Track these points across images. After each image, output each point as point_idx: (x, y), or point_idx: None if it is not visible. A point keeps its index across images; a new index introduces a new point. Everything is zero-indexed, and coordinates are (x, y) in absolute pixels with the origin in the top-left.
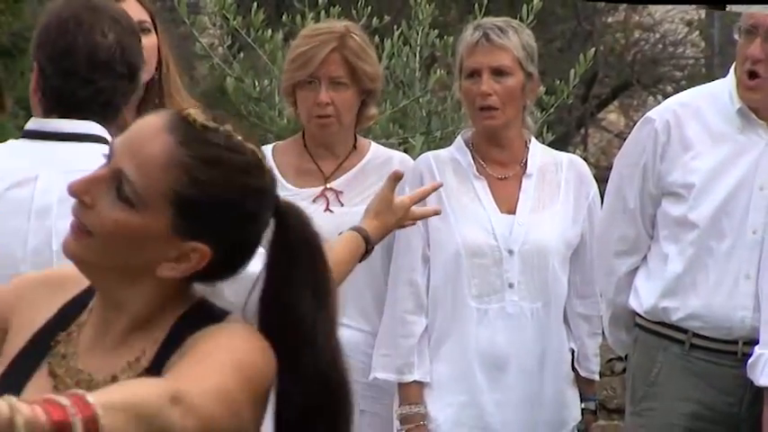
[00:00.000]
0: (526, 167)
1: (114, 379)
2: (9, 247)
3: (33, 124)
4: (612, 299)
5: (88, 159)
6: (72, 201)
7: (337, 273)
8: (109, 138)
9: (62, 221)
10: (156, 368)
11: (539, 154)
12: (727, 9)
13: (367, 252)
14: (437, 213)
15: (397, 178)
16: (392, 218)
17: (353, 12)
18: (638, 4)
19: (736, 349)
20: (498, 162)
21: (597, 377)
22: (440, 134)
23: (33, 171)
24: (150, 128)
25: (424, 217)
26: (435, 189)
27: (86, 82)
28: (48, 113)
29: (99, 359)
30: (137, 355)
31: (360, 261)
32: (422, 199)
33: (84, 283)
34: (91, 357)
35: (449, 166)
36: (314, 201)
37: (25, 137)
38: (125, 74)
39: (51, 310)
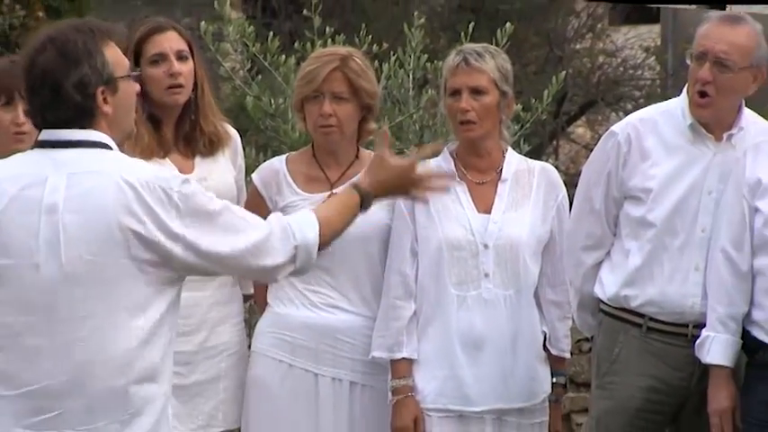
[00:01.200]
0: (502, 173)
1: None
2: (24, 239)
3: (44, 135)
4: (580, 287)
5: (89, 161)
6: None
7: (332, 228)
8: (110, 142)
9: (68, 216)
10: None
11: (514, 162)
12: (727, 9)
13: (363, 207)
14: (444, 191)
15: (386, 136)
16: (384, 174)
17: (356, 39)
18: (639, 4)
19: (686, 332)
20: (477, 168)
21: (568, 355)
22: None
23: (43, 174)
24: None
25: (439, 190)
26: (447, 177)
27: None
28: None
29: None
30: None
31: (361, 210)
32: (431, 176)
33: None
34: None
35: (434, 170)
36: (322, 203)
37: (37, 146)
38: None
39: None
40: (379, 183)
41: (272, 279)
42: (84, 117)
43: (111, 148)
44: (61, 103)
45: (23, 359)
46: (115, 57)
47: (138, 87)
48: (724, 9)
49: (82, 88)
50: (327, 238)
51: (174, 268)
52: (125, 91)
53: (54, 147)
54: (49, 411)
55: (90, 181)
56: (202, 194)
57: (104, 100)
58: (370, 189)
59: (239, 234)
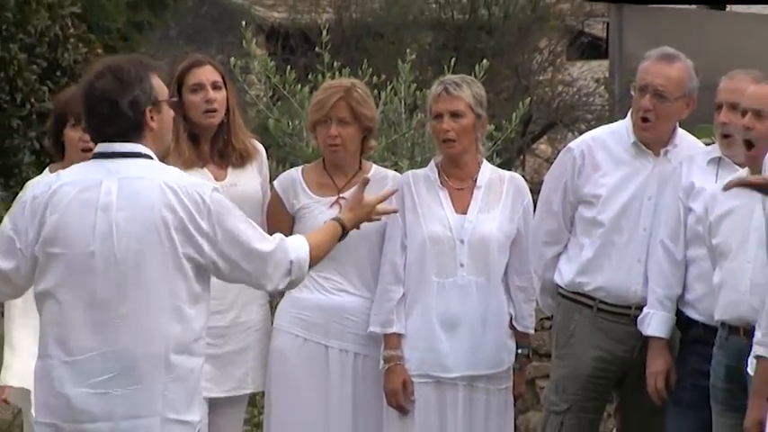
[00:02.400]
0: (477, 181)
1: None
2: (82, 232)
3: (99, 148)
4: (542, 275)
5: (137, 169)
6: (126, 200)
7: (319, 250)
8: (153, 154)
9: (119, 213)
10: None
11: (488, 172)
12: (727, 9)
13: (344, 234)
14: (395, 212)
15: (364, 183)
16: (362, 211)
17: (359, 72)
18: (638, 4)
19: (630, 312)
20: (457, 177)
21: (532, 331)
22: (420, 159)
23: (98, 179)
24: None
25: (385, 213)
26: (392, 194)
27: None
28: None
29: None
30: None
31: (338, 241)
32: (383, 200)
33: None
34: None
35: (422, 181)
36: (331, 206)
37: (94, 157)
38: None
39: None
40: (356, 217)
41: (270, 287)
42: (135, 131)
43: (153, 159)
44: (117, 119)
45: (79, 331)
46: (159, 84)
47: (172, 113)
48: (724, 9)
49: (134, 106)
50: (315, 259)
51: (205, 260)
52: (166, 112)
53: (108, 157)
54: (102, 374)
55: (137, 184)
56: (228, 203)
57: (151, 117)
58: (348, 223)
59: (252, 243)
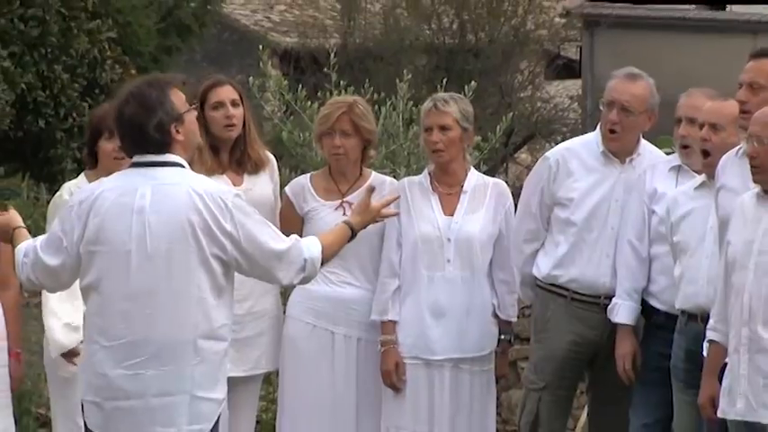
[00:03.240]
0: (464, 187)
1: None
2: (120, 232)
3: (136, 158)
4: (522, 269)
5: (168, 176)
6: (158, 203)
7: (330, 250)
8: (184, 162)
9: (152, 216)
10: None
11: (474, 178)
12: (726, 9)
13: (352, 236)
14: (395, 215)
15: (370, 191)
16: (368, 216)
17: (362, 90)
18: (638, 4)
19: (599, 302)
20: (446, 183)
21: (514, 319)
22: (416, 167)
23: (134, 186)
24: None
25: (388, 216)
26: (395, 200)
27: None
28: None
29: None
30: None
31: (348, 242)
32: (387, 205)
33: None
34: None
35: (416, 186)
36: (335, 209)
37: (131, 166)
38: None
39: None
40: (363, 221)
41: (285, 281)
42: (164, 146)
43: (184, 167)
44: (146, 140)
45: (116, 319)
46: (178, 98)
47: (194, 115)
48: (724, 9)
49: (160, 128)
50: (327, 258)
51: (228, 258)
52: (189, 120)
53: (143, 166)
54: (137, 357)
55: (168, 190)
56: (249, 207)
57: (177, 131)
58: (357, 226)
59: (270, 243)
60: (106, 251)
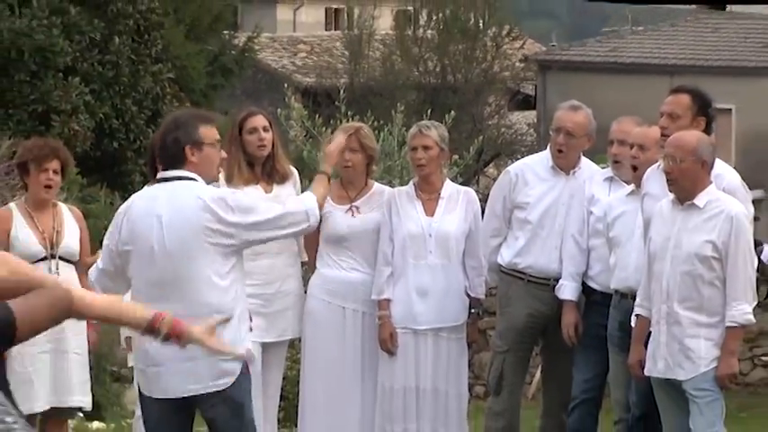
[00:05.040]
0: (441, 194)
1: None
2: (146, 232)
3: (159, 174)
4: (488, 258)
5: (182, 187)
6: (172, 209)
7: (322, 198)
8: (196, 177)
9: (169, 218)
10: None
11: (449, 188)
12: (726, 9)
13: (329, 179)
14: (342, 144)
15: (330, 147)
16: (329, 159)
17: (365, 119)
18: (638, 4)
19: (549, 283)
20: (427, 191)
21: (483, 297)
22: (407, 179)
23: (155, 196)
24: None
25: (338, 150)
26: (343, 145)
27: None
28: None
29: None
30: None
31: (329, 183)
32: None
33: None
34: None
35: (404, 194)
36: (345, 212)
37: (156, 181)
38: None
39: None
40: (328, 164)
41: (298, 230)
42: (177, 161)
43: (197, 180)
44: (163, 151)
45: (146, 301)
46: (206, 132)
47: (223, 155)
48: (724, 9)
49: (175, 143)
50: (321, 203)
51: (236, 243)
52: (209, 152)
53: (164, 180)
54: None
55: (181, 197)
56: (245, 199)
57: (192, 153)
58: (328, 170)
59: (267, 211)
60: (135, 249)
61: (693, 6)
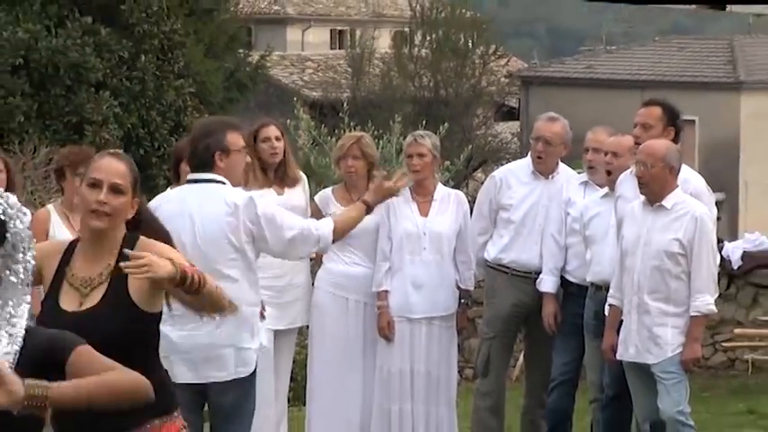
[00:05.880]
0: (434, 196)
1: (100, 275)
2: (179, 230)
3: (190, 176)
4: (476, 254)
5: (211, 189)
6: (202, 208)
7: (345, 225)
8: (224, 180)
9: (199, 218)
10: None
11: (442, 190)
12: (726, 9)
13: (369, 211)
14: (404, 186)
15: (382, 178)
16: (380, 192)
17: (366, 129)
18: (638, 4)
19: (531, 276)
20: (421, 194)
21: (472, 288)
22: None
23: (186, 196)
24: None
25: (399, 188)
26: (401, 181)
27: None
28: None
29: (89, 270)
30: (108, 262)
31: (366, 215)
32: (396, 185)
33: (63, 246)
34: (84, 270)
35: (402, 196)
36: None
37: (186, 183)
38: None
39: (58, 258)
40: (376, 198)
41: (302, 255)
42: (207, 165)
43: (225, 183)
44: (194, 156)
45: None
46: (233, 139)
47: (248, 160)
48: (724, 9)
49: (206, 149)
50: (343, 229)
51: (256, 242)
52: (235, 158)
53: (194, 182)
54: (193, 322)
55: (211, 199)
56: (269, 208)
57: (220, 159)
58: (372, 202)
59: (287, 225)
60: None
61: (680, 13)
